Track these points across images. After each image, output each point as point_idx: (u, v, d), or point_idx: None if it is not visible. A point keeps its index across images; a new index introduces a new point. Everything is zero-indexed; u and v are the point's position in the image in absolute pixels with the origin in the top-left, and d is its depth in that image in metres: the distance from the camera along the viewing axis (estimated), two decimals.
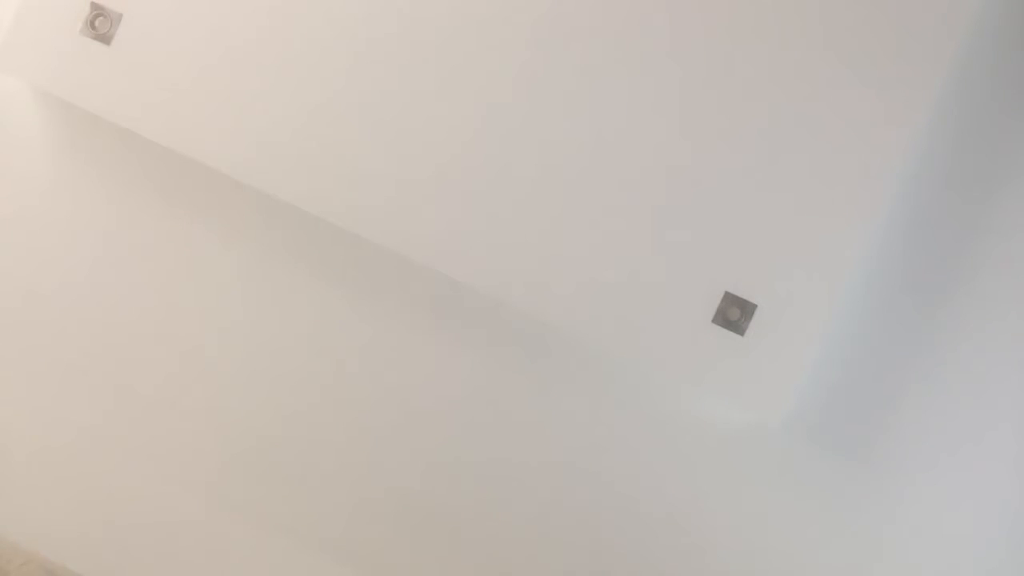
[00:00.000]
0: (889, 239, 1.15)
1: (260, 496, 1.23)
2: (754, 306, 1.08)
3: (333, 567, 1.22)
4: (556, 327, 1.12)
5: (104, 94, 1.12)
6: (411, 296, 1.20)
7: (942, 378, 1.16)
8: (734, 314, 1.08)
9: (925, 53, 1.07)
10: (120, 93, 1.12)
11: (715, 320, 1.08)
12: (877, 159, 1.07)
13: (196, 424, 1.23)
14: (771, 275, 1.08)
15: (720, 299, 1.08)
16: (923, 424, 1.16)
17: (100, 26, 1.12)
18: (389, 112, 1.11)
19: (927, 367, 1.16)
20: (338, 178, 1.11)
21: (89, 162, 1.23)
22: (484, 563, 1.21)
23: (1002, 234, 1.16)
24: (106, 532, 1.23)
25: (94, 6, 1.12)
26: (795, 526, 1.18)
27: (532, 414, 1.20)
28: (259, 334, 1.22)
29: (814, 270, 1.07)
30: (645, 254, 1.09)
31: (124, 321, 1.23)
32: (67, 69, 1.13)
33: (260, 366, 1.22)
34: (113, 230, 1.23)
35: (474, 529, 1.21)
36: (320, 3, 1.11)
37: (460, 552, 1.21)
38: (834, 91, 1.07)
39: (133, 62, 1.12)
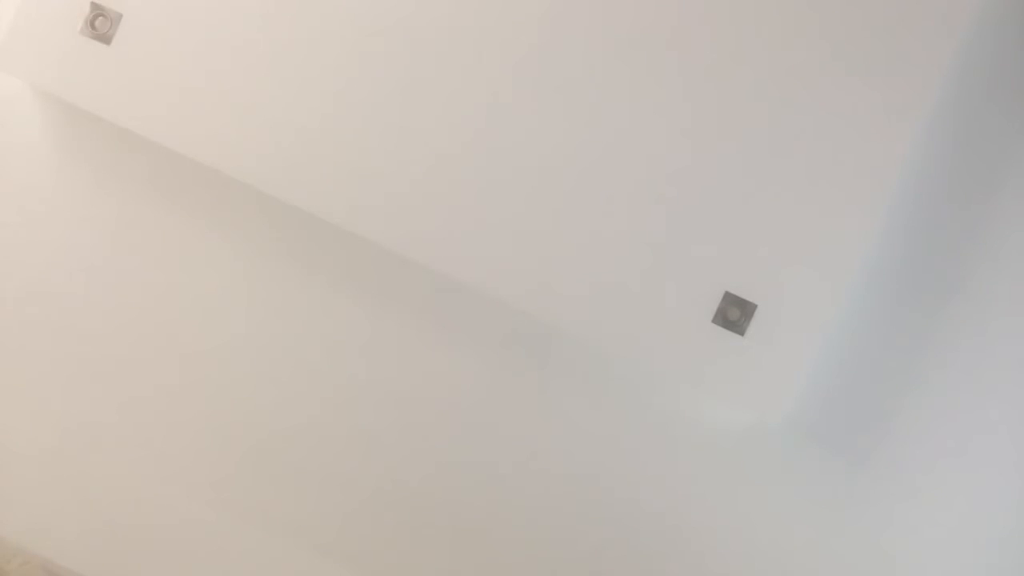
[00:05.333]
0: (890, 239, 1.15)
1: (261, 496, 1.23)
2: (754, 306, 1.08)
3: (335, 567, 1.22)
4: (556, 327, 1.12)
5: (104, 94, 1.12)
6: (411, 296, 1.20)
7: (943, 378, 1.16)
8: (734, 314, 1.08)
9: (925, 53, 1.07)
10: (120, 93, 1.12)
11: (715, 320, 1.08)
12: (878, 159, 1.07)
13: (197, 424, 1.23)
14: (771, 275, 1.08)
15: (720, 299, 1.08)
16: (923, 424, 1.16)
17: (100, 26, 1.12)
18: (390, 111, 1.11)
19: (928, 367, 1.16)
20: (339, 178, 1.11)
21: (89, 162, 1.23)
22: (484, 562, 1.21)
23: (1003, 234, 1.16)
24: (107, 532, 1.23)
25: (94, 6, 1.12)
26: (795, 526, 1.18)
27: (531, 414, 1.20)
28: (260, 334, 1.22)
29: (814, 270, 1.07)
30: (645, 254, 1.09)
31: (125, 321, 1.23)
32: (67, 69, 1.13)
33: (261, 366, 1.22)
34: (113, 230, 1.23)
35: (474, 528, 1.21)
36: (320, 3, 1.12)
37: (461, 552, 1.21)
38: (834, 90, 1.07)
39: (133, 62, 1.12)
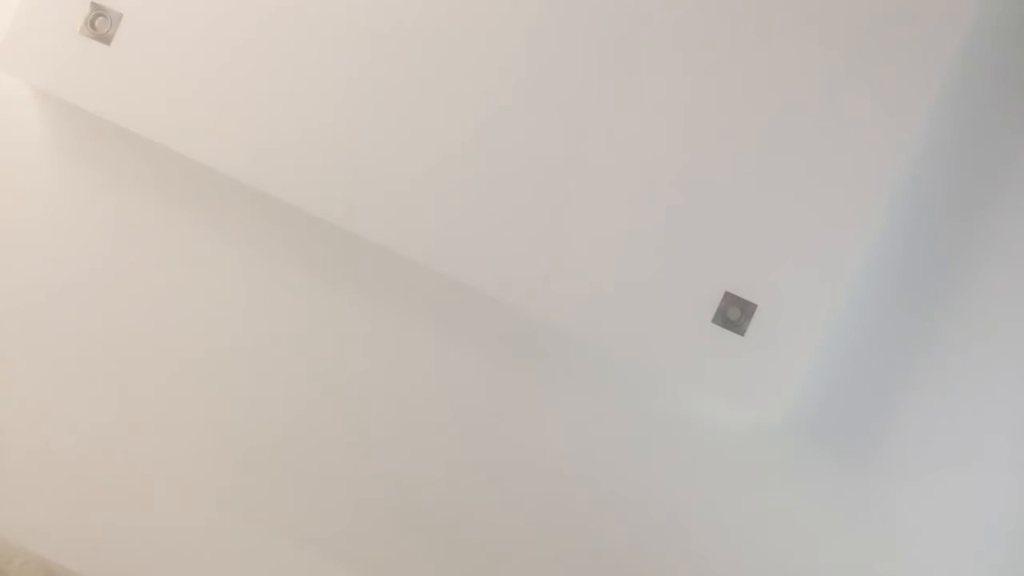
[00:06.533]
0: (890, 239, 1.15)
1: (261, 496, 1.23)
2: (754, 306, 1.08)
3: (334, 568, 1.22)
4: (556, 327, 1.12)
5: (104, 94, 1.12)
6: (411, 296, 1.20)
7: (942, 378, 1.16)
8: (734, 314, 1.08)
9: (925, 53, 1.07)
10: (120, 93, 1.12)
11: (715, 320, 1.08)
12: (878, 159, 1.07)
13: (197, 424, 1.23)
14: (771, 275, 1.08)
15: (720, 299, 1.08)
16: (923, 424, 1.16)
17: (100, 26, 1.12)
18: (390, 111, 1.11)
19: (927, 367, 1.16)
20: (338, 178, 1.11)
21: (89, 162, 1.23)
22: (484, 563, 1.21)
23: (1003, 234, 1.16)
24: (106, 532, 1.23)
25: (94, 6, 1.12)
26: (795, 526, 1.17)
27: (531, 414, 1.20)
28: (259, 334, 1.22)
29: (814, 270, 1.07)
30: (645, 254, 1.09)
31: (125, 321, 1.23)
32: (67, 69, 1.13)
33: (261, 366, 1.22)
34: (113, 230, 1.23)
35: (474, 529, 1.21)
36: (320, 4, 1.12)
37: (461, 552, 1.21)
38: (834, 91, 1.07)
39: (133, 62, 1.12)
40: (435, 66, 1.11)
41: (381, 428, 1.21)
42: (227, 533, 1.23)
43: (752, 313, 1.07)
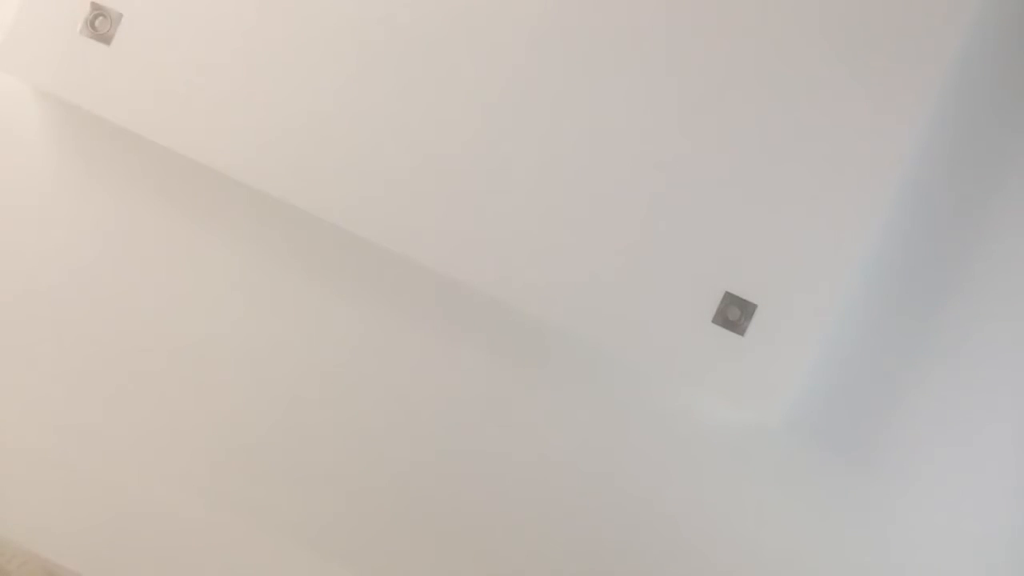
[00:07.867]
0: (890, 239, 1.15)
1: (260, 495, 1.23)
2: (754, 306, 1.08)
3: (333, 567, 1.22)
4: (556, 327, 1.12)
5: (104, 94, 1.12)
6: (410, 296, 1.20)
7: (942, 378, 1.16)
8: (734, 314, 1.08)
9: (925, 53, 1.07)
10: (120, 93, 1.12)
11: (715, 320, 1.08)
12: (877, 159, 1.07)
13: (196, 423, 1.23)
14: (771, 275, 1.08)
15: (720, 299, 1.08)
16: (923, 424, 1.16)
17: (100, 26, 1.12)
18: (388, 111, 1.11)
19: (927, 367, 1.16)
20: (338, 178, 1.11)
21: (89, 162, 1.23)
22: (483, 563, 1.21)
23: (1003, 235, 1.16)
24: (106, 532, 1.23)
25: (94, 6, 1.12)
26: (795, 526, 1.18)
27: (531, 414, 1.20)
28: (258, 333, 1.22)
29: (814, 270, 1.07)
30: (645, 254, 1.09)
31: (124, 320, 1.23)
32: (67, 69, 1.13)
33: (259, 365, 1.22)
34: (113, 230, 1.23)
35: (473, 529, 1.21)
36: (318, 4, 1.12)
37: (459, 551, 1.21)
38: (835, 91, 1.07)
39: (133, 62, 1.12)
40: (434, 66, 1.11)
41: (379, 427, 1.21)
42: (228, 533, 1.23)
43: (752, 313, 1.07)
